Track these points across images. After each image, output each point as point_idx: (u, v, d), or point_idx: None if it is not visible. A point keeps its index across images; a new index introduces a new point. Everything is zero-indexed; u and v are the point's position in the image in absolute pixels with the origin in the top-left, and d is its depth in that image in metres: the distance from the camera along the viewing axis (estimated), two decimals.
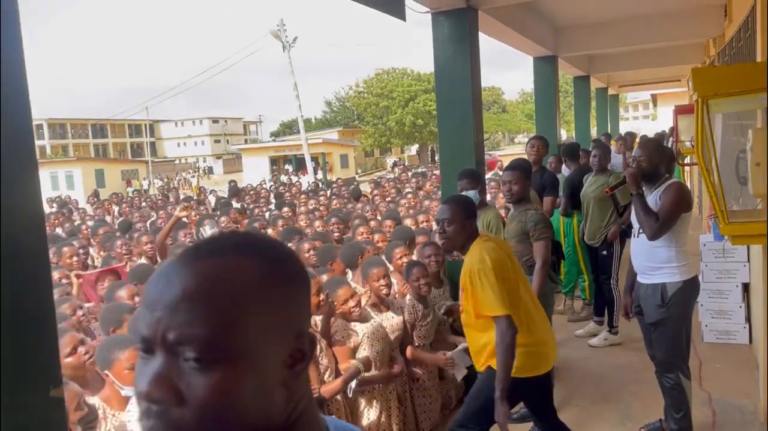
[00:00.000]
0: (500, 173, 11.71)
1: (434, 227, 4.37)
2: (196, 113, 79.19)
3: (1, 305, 1.47)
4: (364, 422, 3.60)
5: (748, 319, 5.30)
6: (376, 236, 5.48)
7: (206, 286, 0.72)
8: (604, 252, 5.65)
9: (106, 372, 2.63)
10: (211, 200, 14.03)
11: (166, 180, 37.28)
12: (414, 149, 52.41)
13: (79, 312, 3.69)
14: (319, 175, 31.82)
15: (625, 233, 5.33)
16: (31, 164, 1.55)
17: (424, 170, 24.62)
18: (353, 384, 3.54)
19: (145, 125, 63.28)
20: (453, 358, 3.91)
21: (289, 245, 5.63)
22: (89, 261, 6.19)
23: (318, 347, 3.43)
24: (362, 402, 3.64)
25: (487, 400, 2.99)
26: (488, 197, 6.39)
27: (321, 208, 9.01)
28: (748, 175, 3.84)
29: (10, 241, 1.49)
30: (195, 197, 15.56)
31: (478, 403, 3.05)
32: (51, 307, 1.65)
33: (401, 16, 4.56)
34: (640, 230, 3.65)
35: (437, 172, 15.50)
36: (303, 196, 12.66)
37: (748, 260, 5.27)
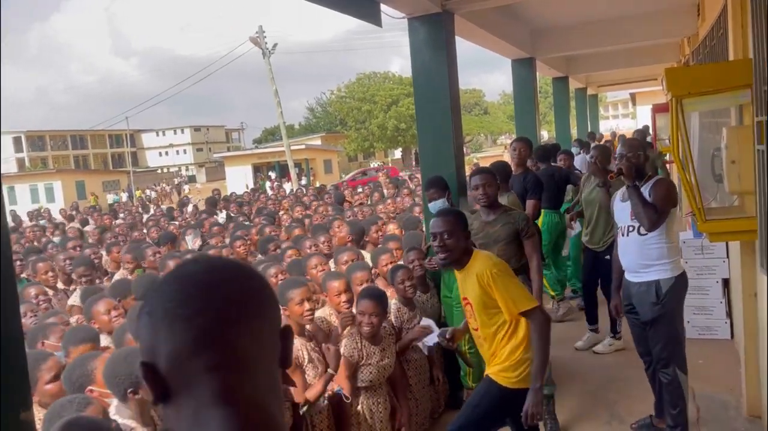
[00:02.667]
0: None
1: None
2: (178, 122, 78.83)
3: None
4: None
5: (729, 314, 5.36)
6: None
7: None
8: (608, 257, 5.25)
9: (91, 387, 2.57)
10: (189, 210, 13.94)
11: (146, 192, 36.59)
12: (398, 152, 52.49)
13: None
14: (303, 181, 31.74)
15: None
16: None
17: (409, 173, 24.69)
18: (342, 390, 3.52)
19: (126, 134, 62.72)
20: (429, 326, 3.96)
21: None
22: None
23: (307, 355, 3.42)
24: (354, 405, 3.61)
25: (488, 409, 3.00)
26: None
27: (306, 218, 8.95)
28: (723, 173, 3.89)
29: None
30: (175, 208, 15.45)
31: (479, 411, 3.02)
32: (18, 327, 1.61)
33: (377, 22, 4.57)
34: (630, 229, 3.67)
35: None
36: (285, 201, 12.63)
37: (727, 257, 5.33)
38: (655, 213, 3.50)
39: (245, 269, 0.87)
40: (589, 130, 16.29)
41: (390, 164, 46.60)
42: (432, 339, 3.95)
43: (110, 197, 33.28)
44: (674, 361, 3.63)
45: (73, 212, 18.65)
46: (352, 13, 4.31)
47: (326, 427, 3.44)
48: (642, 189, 3.64)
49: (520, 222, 4.00)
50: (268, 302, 0.85)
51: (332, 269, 4.71)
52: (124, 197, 35.56)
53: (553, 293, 6.42)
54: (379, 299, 3.64)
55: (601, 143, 12.40)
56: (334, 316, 3.94)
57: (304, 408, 3.28)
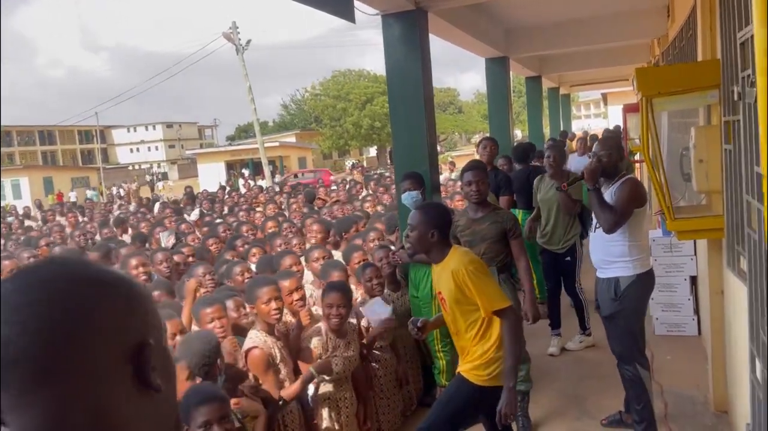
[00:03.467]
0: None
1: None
2: (150, 118, 77.57)
3: None
4: (324, 425, 3.56)
5: (697, 311, 5.46)
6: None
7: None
8: (568, 258, 5.41)
9: None
10: (157, 208, 13.70)
11: (112, 189, 35.44)
12: (373, 150, 52.47)
13: None
14: (277, 179, 31.51)
15: (584, 235, 5.31)
16: None
17: (381, 171, 24.70)
18: (310, 391, 3.51)
19: (96, 130, 61.59)
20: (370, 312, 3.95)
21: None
22: None
23: (278, 353, 3.38)
24: (321, 406, 3.59)
25: (458, 407, 3.02)
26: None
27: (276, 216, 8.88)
28: (691, 172, 3.94)
29: None
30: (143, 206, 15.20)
31: (449, 409, 3.04)
32: None
33: (350, 18, 4.53)
34: (597, 226, 3.70)
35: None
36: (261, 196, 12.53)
37: (695, 254, 5.42)
38: (613, 215, 3.53)
39: (77, 283, 0.73)
40: (562, 129, 16.47)
41: (365, 162, 46.55)
42: (376, 311, 3.93)
43: (89, 193, 32.32)
44: (633, 357, 3.68)
45: (33, 210, 18.19)
46: (325, 9, 4.27)
47: (298, 426, 3.41)
48: (610, 188, 3.67)
49: (507, 222, 4.03)
50: (98, 324, 0.72)
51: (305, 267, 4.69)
52: (90, 193, 34.67)
53: (539, 296, 6.38)
54: (345, 291, 3.71)
55: (574, 141, 12.57)
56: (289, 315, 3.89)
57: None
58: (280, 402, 3.24)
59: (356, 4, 4.62)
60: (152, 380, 0.75)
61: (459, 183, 7.81)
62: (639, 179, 4.40)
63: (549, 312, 5.61)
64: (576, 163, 9.21)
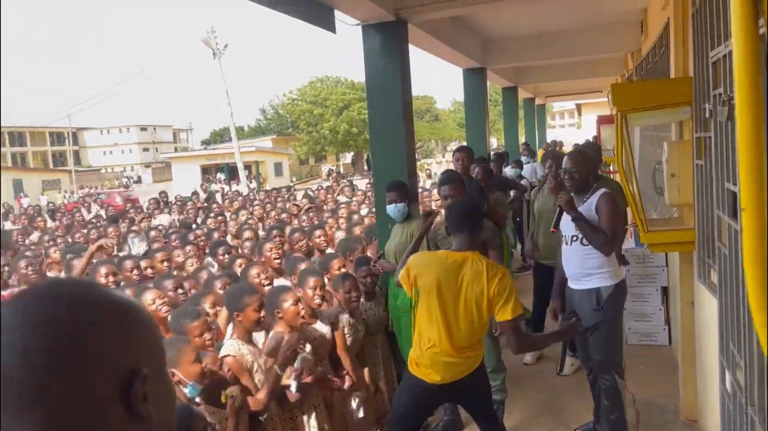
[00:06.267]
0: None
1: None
2: (123, 121, 76.47)
3: None
4: None
5: (668, 321, 5.56)
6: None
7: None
8: None
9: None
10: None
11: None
12: (349, 156, 52.45)
13: None
14: (253, 184, 31.32)
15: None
16: None
17: (359, 177, 24.77)
18: (293, 386, 3.42)
19: (68, 132, 60.53)
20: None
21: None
22: None
23: (254, 362, 3.35)
24: (297, 415, 3.57)
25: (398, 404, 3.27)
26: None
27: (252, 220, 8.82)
28: (664, 185, 4.03)
29: None
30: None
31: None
32: None
33: (331, 28, 4.55)
34: (573, 238, 3.74)
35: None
36: (234, 204, 12.40)
37: (666, 265, 5.53)
38: (606, 237, 3.58)
39: (74, 307, 0.73)
40: (536, 139, 16.69)
41: (341, 168, 46.48)
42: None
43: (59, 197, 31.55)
44: (613, 367, 3.75)
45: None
46: (306, 18, 4.28)
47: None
48: (585, 202, 3.71)
49: (488, 232, 4.08)
50: (92, 349, 0.72)
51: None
52: (60, 197, 33.79)
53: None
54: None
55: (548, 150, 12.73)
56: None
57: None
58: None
59: (337, 14, 4.64)
60: (142, 410, 0.74)
61: (434, 192, 7.88)
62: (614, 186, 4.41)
63: (535, 325, 5.58)
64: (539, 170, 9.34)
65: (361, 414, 3.89)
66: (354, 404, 3.95)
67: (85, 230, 9.40)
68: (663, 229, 4.18)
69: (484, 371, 3.36)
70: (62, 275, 5.83)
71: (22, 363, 0.69)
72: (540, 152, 12.95)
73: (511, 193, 7.48)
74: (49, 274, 6.13)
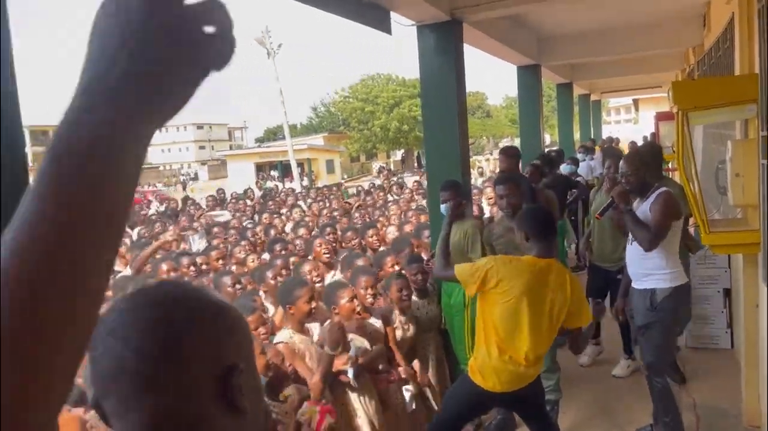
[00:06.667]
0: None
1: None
2: (181, 119, 78.66)
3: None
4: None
5: (730, 324, 5.40)
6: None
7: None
8: (619, 277, 4.85)
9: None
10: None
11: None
12: (399, 154, 52.52)
13: None
14: (305, 181, 31.78)
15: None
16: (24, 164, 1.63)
17: (409, 175, 24.76)
18: (350, 373, 3.49)
19: None
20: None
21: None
22: None
23: (306, 350, 3.46)
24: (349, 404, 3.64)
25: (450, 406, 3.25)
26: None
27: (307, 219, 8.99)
28: (728, 185, 3.94)
29: None
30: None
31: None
32: None
33: (387, 30, 4.62)
34: (633, 238, 3.74)
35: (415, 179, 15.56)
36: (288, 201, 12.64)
37: (729, 267, 5.37)
38: (649, 233, 3.54)
39: (181, 307, 0.82)
40: (591, 136, 16.35)
41: (392, 165, 46.55)
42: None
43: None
44: (664, 369, 3.70)
45: None
46: (363, 21, 4.36)
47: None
48: (644, 203, 3.70)
49: None
50: (196, 346, 0.80)
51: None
52: None
53: None
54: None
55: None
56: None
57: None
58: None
59: (393, 15, 4.70)
60: (239, 402, 0.81)
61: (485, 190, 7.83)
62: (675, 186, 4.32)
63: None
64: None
65: (413, 406, 3.94)
66: (406, 397, 4.01)
67: (143, 227, 9.77)
68: (726, 230, 4.08)
69: (539, 376, 3.36)
70: (127, 269, 6.10)
71: (136, 356, 0.78)
72: (596, 149, 12.68)
73: (572, 192, 7.34)
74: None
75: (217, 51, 0.55)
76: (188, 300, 0.84)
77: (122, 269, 6.19)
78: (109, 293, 4.33)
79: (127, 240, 8.15)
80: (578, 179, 8.47)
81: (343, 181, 37.18)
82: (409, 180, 17.00)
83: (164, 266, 4.93)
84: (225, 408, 0.81)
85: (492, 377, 3.03)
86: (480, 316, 3.08)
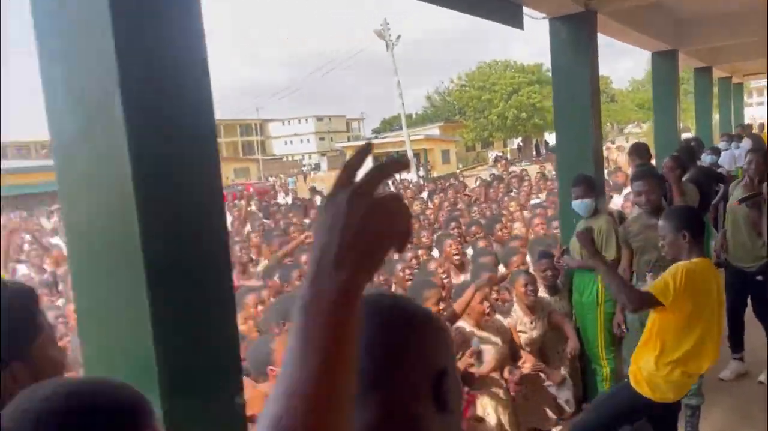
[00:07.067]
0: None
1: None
2: (301, 112, 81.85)
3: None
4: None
5: None
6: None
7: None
8: (759, 278, 4.61)
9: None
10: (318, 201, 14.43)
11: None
12: (516, 142, 51.41)
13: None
14: (421, 172, 32.05)
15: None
16: (214, 149, 1.81)
17: (527, 163, 24.02)
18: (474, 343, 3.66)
19: (255, 124, 66.19)
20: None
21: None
22: None
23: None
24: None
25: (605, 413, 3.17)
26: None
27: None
28: None
29: (193, 223, 1.65)
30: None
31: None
32: (230, 290, 1.73)
33: (519, 25, 4.60)
34: None
35: (536, 167, 15.19)
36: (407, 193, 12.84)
37: None
38: None
39: (403, 316, 0.95)
40: (734, 122, 15.14)
41: (508, 154, 45.63)
42: None
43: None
44: None
45: None
46: (496, 18, 4.38)
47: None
48: None
49: None
50: (416, 350, 0.93)
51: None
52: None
53: None
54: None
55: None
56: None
57: None
58: None
59: (525, 9, 4.68)
60: (451, 403, 0.92)
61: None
62: None
63: (729, 332, 4.87)
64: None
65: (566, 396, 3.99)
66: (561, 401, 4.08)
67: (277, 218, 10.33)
68: None
69: None
70: (262, 259, 6.53)
71: (367, 356, 0.89)
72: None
73: (718, 187, 6.87)
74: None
75: (401, 232, 0.74)
76: (408, 310, 0.96)
77: (259, 259, 6.65)
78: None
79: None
80: (720, 170, 7.91)
81: (458, 171, 37.08)
82: (531, 170, 16.56)
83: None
84: (437, 409, 0.91)
85: (666, 387, 2.95)
86: (655, 325, 2.96)
